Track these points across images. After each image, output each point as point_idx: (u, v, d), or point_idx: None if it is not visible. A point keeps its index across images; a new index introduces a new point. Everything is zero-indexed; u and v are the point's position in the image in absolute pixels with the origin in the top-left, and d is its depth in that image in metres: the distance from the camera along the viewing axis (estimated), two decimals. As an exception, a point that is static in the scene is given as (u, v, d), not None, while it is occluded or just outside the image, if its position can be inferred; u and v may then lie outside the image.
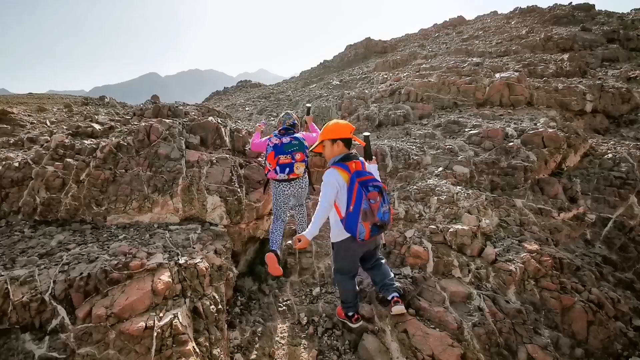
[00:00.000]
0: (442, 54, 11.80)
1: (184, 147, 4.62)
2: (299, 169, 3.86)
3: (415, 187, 4.86)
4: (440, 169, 5.16)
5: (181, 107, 5.47)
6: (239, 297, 4.13)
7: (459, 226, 4.03)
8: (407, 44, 20.24)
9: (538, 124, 5.70)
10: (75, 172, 4.04)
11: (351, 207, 2.84)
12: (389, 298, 3.26)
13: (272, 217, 4.16)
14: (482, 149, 5.32)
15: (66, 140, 4.42)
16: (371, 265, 3.44)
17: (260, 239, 4.95)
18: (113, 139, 4.46)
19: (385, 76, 10.12)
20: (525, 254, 3.77)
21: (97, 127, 4.83)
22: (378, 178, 3.16)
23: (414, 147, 5.73)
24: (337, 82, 11.76)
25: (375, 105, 7.60)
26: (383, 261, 3.49)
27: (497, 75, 7.49)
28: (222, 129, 5.24)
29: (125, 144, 4.44)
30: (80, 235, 3.69)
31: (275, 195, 4.05)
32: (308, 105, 5.23)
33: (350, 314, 3.40)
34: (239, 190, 4.49)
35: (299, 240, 2.92)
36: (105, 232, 3.80)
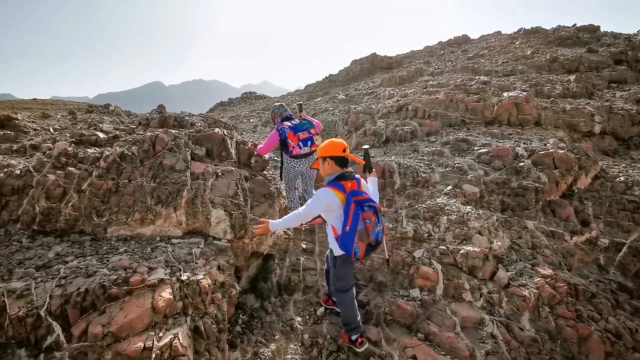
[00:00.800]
0: (448, 72, 11.85)
1: (189, 158, 4.54)
2: (318, 140, 4.38)
3: (424, 205, 4.76)
4: (450, 187, 5.07)
5: (187, 118, 5.42)
6: (241, 315, 4.00)
7: (469, 248, 3.92)
8: (413, 60, 20.42)
9: (548, 145, 5.63)
10: (76, 182, 3.96)
11: (347, 227, 2.84)
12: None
13: (285, 191, 4.82)
14: (492, 168, 5.24)
15: (69, 149, 4.35)
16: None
17: (264, 254, 4.83)
18: (117, 148, 4.39)
19: (392, 92, 10.13)
20: (539, 278, 3.65)
21: (102, 135, 4.77)
22: (376, 191, 3.29)
23: (422, 164, 5.65)
24: (343, 97, 11.78)
25: (382, 120, 7.56)
26: None
27: (505, 94, 7.47)
28: (228, 141, 5.17)
29: (130, 153, 4.37)
30: (79, 247, 3.58)
31: (287, 171, 4.68)
32: (299, 103, 5.33)
33: (354, 337, 3.31)
34: (243, 204, 4.39)
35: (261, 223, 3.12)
36: (105, 244, 3.69)
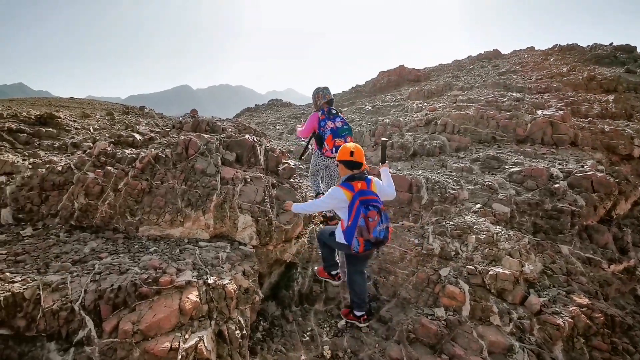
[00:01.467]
0: (478, 87, 11.66)
1: (219, 163, 4.64)
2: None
3: (451, 222, 4.66)
4: (479, 205, 4.95)
5: (219, 123, 5.55)
6: (262, 322, 4.01)
7: (499, 269, 3.80)
8: (441, 74, 20.23)
9: (585, 167, 5.42)
10: (114, 181, 4.12)
11: (349, 222, 3.18)
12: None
13: (310, 178, 5.14)
14: (525, 188, 5.09)
15: (108, 148, 4.53)
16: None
17: (287, 262, 4.85)
18: (152, 150, 4.54)
19: (420, 105, 10.05)
20: (574, 307, 3.49)
21: (138, 137, 4.95)
22: (390, 182, 3.59)
23: (450, 180, 5.55)
24: (370, 108, 11.78)
25: (410, 134, 7.50)
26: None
27: (540, 112, 7.27)
28: (258, 148, 5.26)
29: (164, 156, 4.51)
30: (112, 244, 3.71)
31: (316, 162, 4.93)
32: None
33: (358, 314, 3.72)
34: (270, 211, 4.44)
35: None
36: (136, 243, 3.81)
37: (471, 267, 3.90)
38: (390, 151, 7.08)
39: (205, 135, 4.91)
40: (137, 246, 3.73)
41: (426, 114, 8.25)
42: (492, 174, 5.62)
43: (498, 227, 4.47)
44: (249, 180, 4.59)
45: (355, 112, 12.03)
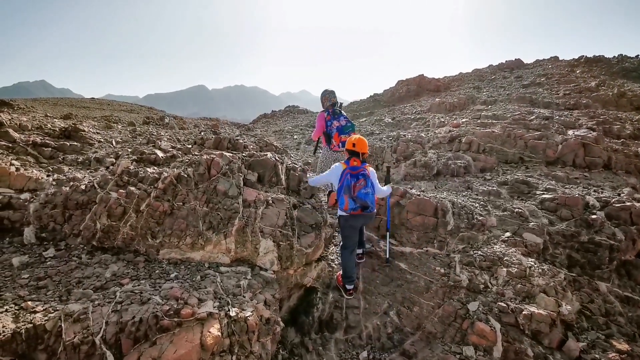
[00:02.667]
0: (502, 101, 11.39)
1: (241, 184, 4.58)
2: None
3: (479, 252, 4.48)
4: (508, 234, 4.75)
5: (241, 141, 5.51)
6: (281, 351, 3.92)
7: (534, 309, 3.60)
8: (461, 84, 19.94)
9: (622, 195, 5.15)
10: (136, 202, 4.09)
11: (339, 185, 4.24)
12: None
13: (318, 171, 5.89)
14: (558, 218, 4.86)
15: (131, 167, 4.53)
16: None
17: (307, 286, 4.75)
18: (175, 170, 4.51)
19: (442, 119, 9.85)
20: (613, 354, 3.27)
21: (160, 154, 4.94)
22: (380, 188, 4.51)
23: (477, 205, 5.36)
24: (390, 120, 11.63)
25: (433, 151, 7.33)
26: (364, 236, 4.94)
27: (571, 132, 7.01)
28: (279, 167, 5.19)
29: (186, 175, 4.47)
30: (133, 268, 3.66)
31: (325, 156, 5.80)
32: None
33: (347, 287, 4.50)
34: (291, 234, 4.35)
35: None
36: (157, 267, 3.76)
37: (503, 304, 3.72)
38: (413, 169, 6.92)
39: (228, 154, 4.86)
40: (157, 271, 3.67)
41: (450, 131, 8.06)
42: (522, 200, 5.41)
43: (530, 259, 4.26)
44: (270, 202, 4.51)
45: (374, 123, 11.90)
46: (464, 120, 9.11)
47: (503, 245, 4.57)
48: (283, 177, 5.24)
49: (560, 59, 24.35)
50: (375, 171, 4.51)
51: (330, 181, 4.57)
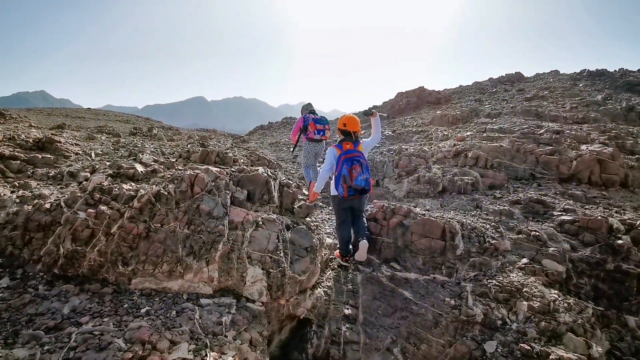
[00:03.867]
0: (507, 114, 11.08)
1: (228, 202, 4.15)
2: (327, 133, 6.21)
3: (494, 281, 4.03)
4: (525, 260, 4.31)
5: (230, 154, 5.09)
6: (269, 397, 3.42)
7: (562, 352, 3.14)
8: (462, 96, 19.74)
9: (647, 217, 4.74)
10: (106, 223, 3.64)
11: (336, 173, 4.25)
12: (359, 240, 4.55)
13: (303, 167, 6.53)
14: (581, 243, 4.43)
15: (105, 183, 4.09)
16: (355, 223, 4.68)
17: (300, 318, 4.27)
18: (154, 186, 4.07)
19: (445, 133, 9.49)
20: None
21: (140, 168, 4.51)
22: (376, 131, 4.80)
23: (488, 226, 4.93)
24: (390, 133, 11.27)
25: (437, 167, 6.93)
26: (364, 219, 4.82)
27: (584, 147, 6.64)
28: (272, 183, 4.76)
29: (166, 193, 4.03)
30: (98, 302, 3.19)
31: (307, 151, 6.36)
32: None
33: (345, 255, 4.71)
34: (283, 260, 3.89)
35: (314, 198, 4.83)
36: (126, 300, 3.28)
37: (526, 347, 3.24)
38: (417, 186, 6.51)
39: (214, 169, 4.43)
40: (126, 305, 3.20)
41: (454, 145, 7.68)
42: (538, 221, 4.98)
43: (553, 290, 3.81)
44: (260, 223, 4.07)
45: (374, 136, 11.54)
46: (468, 133, 8.76)
47: (520, 274, 4.12)
48: (276, 194, 4.81)
49: (561, 72, 24.33)
50: (368, 141, 4.74)
51: (331, 168, 4.49)
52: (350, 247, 4.79)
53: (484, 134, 8.09)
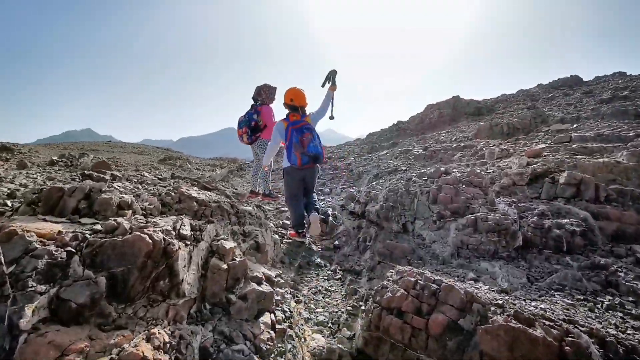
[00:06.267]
0: (588, 117, 8.32)
1: (26, 319, 1.76)
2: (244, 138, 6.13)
3: None
4: None
5: (112, 197, 2.76)
6: None
7: None
8: (508, 105, 16.98)
9: None
10: None
11: (287, 142, 4.51)
12: (310, 214, 4.76)
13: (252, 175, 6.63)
14: None
15: None
16: (306, 198, 4.97)
17: None
18: None
19: (503, 147, 6.87)
20: None
21: None
22: (327, 102, 4.83)
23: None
24: (421, 150, 8.75)
25: (505, 200, 4.32)
26: (314, 193, 5.04)
27: None
28: (181, 255, 2.37)
29: None
30: None
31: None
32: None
33: (300, 231, 4.98)
34: None
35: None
36: None
37: None
38: (474, 236, 3.91)
39: (29, 233, 2.10)
40: None
41: (527, 163, 5.06)
42: None
43: None
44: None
45: (398, 157, 9.01)
46: (541, 145, 6.12)
47: None
48: (189, 276, 2.41)
49: (627, 74, 21.20)
50: (315, 113, 4.81)
51: (281, 141, 4.65)
52: (305, 223, 4.98)
53: (573, 145, 5.44)
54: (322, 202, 7.10)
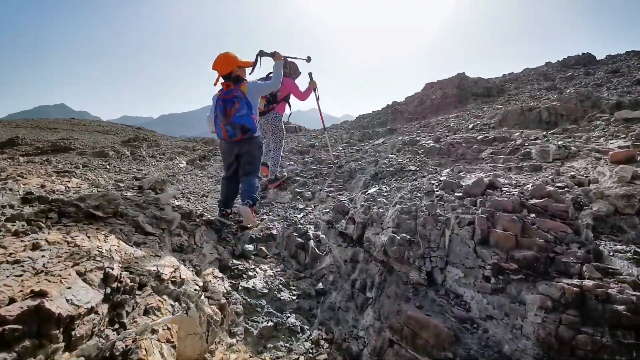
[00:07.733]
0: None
1: None
2: None
3: None
4: None
5: None
6: None
7: None
8: (520, 85, 15.19)
9: None
10: None
11: (214, 114, 4.38)
12: (243, 203, 4.43)
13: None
14: None
15: None
16: (242, 177, 4.62)
17: None
18: None
19: (558, 142, 5.04)
20: None
21: None
22: (277, 74, 4.74)
23: None
24: (432, 143, 6.90)
25: (617, 248, 2.52)
26: (252, 176, 4.58)
27: None
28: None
29: None
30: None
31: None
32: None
33: (221, 208, 4.76)
34: None
35: None
36: None
37: None
38: (577, 331, 2.11)
39: None
40: None
41: (632, 176, 3.26)
42: None
43: None
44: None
45: (402, 150, 7.13)
46: (620, 143, 4.33)
47: None
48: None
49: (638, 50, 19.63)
50: (259, 82, 5.01)
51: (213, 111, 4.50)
52: (235, 209, 4.91)
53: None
54: (301, 216, 5.21)
